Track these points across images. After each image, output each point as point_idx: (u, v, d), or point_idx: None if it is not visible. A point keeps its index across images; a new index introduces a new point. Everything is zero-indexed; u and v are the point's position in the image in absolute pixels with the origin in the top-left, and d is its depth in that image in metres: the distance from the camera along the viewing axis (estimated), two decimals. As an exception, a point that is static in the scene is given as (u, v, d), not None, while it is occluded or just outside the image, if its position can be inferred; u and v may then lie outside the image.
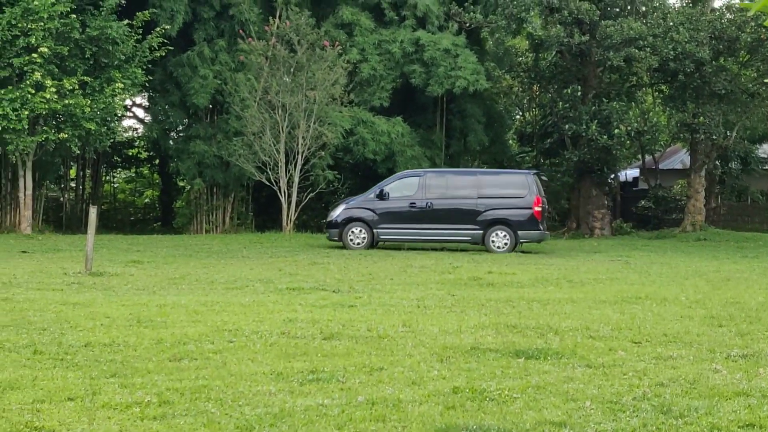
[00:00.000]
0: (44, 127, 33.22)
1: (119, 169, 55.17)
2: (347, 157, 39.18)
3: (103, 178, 50.52)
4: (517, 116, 57.63)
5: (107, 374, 9.27)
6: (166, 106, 39.77)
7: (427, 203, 29.86)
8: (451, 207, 30.00)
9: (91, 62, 34.14)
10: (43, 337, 11.21)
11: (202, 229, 39.76)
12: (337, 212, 30.37)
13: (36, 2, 31.61)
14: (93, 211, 20.75)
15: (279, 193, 36.13)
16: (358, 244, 29.56)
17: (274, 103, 35.41)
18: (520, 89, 51.34)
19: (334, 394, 8.63)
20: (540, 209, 29.80)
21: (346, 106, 36.76)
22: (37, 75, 31.59)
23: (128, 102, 42.28)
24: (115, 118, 37.11)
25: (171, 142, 42.00)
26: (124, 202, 55.24)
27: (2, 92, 31.69)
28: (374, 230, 29.72)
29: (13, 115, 31.45)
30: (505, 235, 29.62)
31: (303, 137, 35.35)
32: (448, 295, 16.64)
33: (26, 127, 32.11)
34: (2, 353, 10.19)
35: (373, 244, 29.74)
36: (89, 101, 33.02)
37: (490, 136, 44.30)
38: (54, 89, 31.86)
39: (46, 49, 31.78)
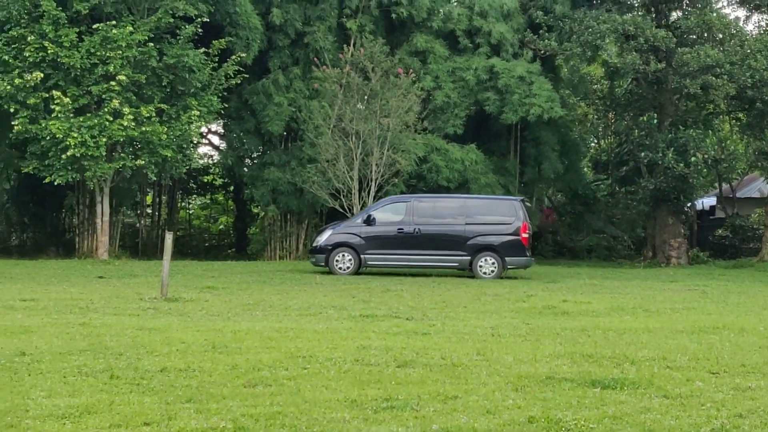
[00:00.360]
0: (122, 154, 33.64)
1: (194, 196, 55.64)
2: (421, 184, 39.10)
3: (179, 205, 51.03)
4: (592, 144, 57.28)
5: (183, 399, 9.32)
6: (241, 134, 40.08)
7: (414, 229, 29.77)
8: (439, 233, 29.93)
9: (168, 90, 34.54)
10: (119, 361, 11.30)
11: (276, 256, 39.93)
12: (324, 237, 30.20)
13: (115, 31, 32.11)
14: (169, 237, 20.90)
15: (353, 221, 36.15)
16: (345, 269, 29.43)
17: (347, 130, 35.48)
18: (595, 117, 51.05)
19: (408, 422, 8.58)
20: (527, 236, 29.93)
21: (419, 134, 36.72)
22: (116, 102, 32.02)
23: (204, 129, 42.73)
24: (191, 145, 37.47)
25: (245, 169, 42.30)
26: (199, 229, 55.66)
27: (81, 119, 32.14)
28: (361, 255, 29.60)
29: (92, 142, 31.89)
30: (492, 262, 29.63)
31: (376, 164, 35.36)
32: (522, 323, 16.49)
33: (104, 153, 32.53)
34: (80, 378, 10.28)
35: (359, 269, 29.67)
36: (166, 128, 33.39)
37: (564, 164, 44.01)
38: (131, 117, 32.27)
39: (124, 77, 32.22)
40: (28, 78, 32.23)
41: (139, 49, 32.80)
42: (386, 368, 11.30)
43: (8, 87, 32.10)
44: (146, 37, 32.99)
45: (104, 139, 32.15)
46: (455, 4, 41.37)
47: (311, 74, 37.38)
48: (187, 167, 37.74)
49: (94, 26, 32.78)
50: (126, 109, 32.24)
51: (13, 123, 32.80)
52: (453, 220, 30.15)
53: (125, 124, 32.08)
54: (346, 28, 38.19)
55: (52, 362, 11.16)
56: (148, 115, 32.82)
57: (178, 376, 10.53)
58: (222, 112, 37.55)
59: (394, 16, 38.55)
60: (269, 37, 37.78)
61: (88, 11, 33.08)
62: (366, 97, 36.15)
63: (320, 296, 21.34)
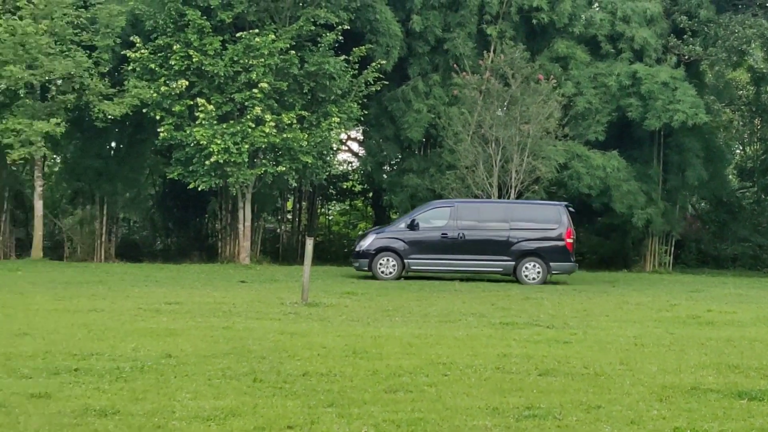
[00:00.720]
0: (263, 160, 34.11)
1: (334, 202, 56.04)
2: (561, 192, 38.72)
3: (319, 211, 51.46)
4: (738, 151, 55.93)
5: (325, 404, 9.37)
6: (381, 140, 40.23)
7: (459, 234, 29.57)
8: (483, 238, 29.78)
9: (309, 97, 34.90)
10: (262, 365, 11.43)
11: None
12: (368, 242, 30.05)
13: (257, 39, 32.59)
14: (309, 243, 21.10)
15: (492, 227, 35.91)
16: (388, 274, 29.30)
17: (487, 136, 35.31)
18: (741, 123, 49.86)
19: (551, 431, 8.47)
20: (571, 241, 29.82)
21: (560, 140, 36.35)
22: (258, 110, 32.49)
23: (343, 136, 43.05)
24: (331, 151, 37.80)
25: (384, 175, 42.47)
26: (338, 234, 56.05)
27: (224, 126, 32.70)
28: (405, 260, 29.43)
29: (234, 149, 32.42)
30: (537, 267, 29.49)
31: (516, 171, 35.12)
32: (666, 333, 16.17)
33: (246, 160, 33.05)
34: (224, 380, 10.43)
35: (401, 274, 29.50)
36: (306, 135, 33.75)
37: (709, 171, 43.01)
38: (273, 123, 32.70)
39: (266, 85, 32.68)
40: (174, 86, 32.99)
41: (281, 56, 33.24)
42: (527, 376, 11.21)
43: (155, 95, 32.89)
44: (288, 45, 33.42)
45: (246, 146, 32.65)
46: (597, 9, 40.87)
47: (451, 81, 37.31)
48: (327, 173, 38.10)
49: (238, 35, 33.33)
50: (268, 116, 32.69)
51: (158, 130, 33.60)
52: (497, 225, 30.01)
53: (267, 130, 32.52)
54: (486, 34, 38.00)
55: (197, 365, 11.34)
56: (290, 122, 33.21)
57: (319, 380, 10.61)
58: (361, 119, 37.75)
59: (534, 21, 38.23)
60: (409, 43, 37.86)
61: (231, 20, 33.69)
62: (506, 104, 35.93)
63: (459, 303, 21.28)
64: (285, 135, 33.03)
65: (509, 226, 29.86)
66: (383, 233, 30.28)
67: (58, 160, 43.21)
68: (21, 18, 32.69)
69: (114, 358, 11.70)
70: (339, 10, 34.32)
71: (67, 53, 33.08)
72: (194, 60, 32.84)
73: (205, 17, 33.15)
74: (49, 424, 8.27)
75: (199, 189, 33.70)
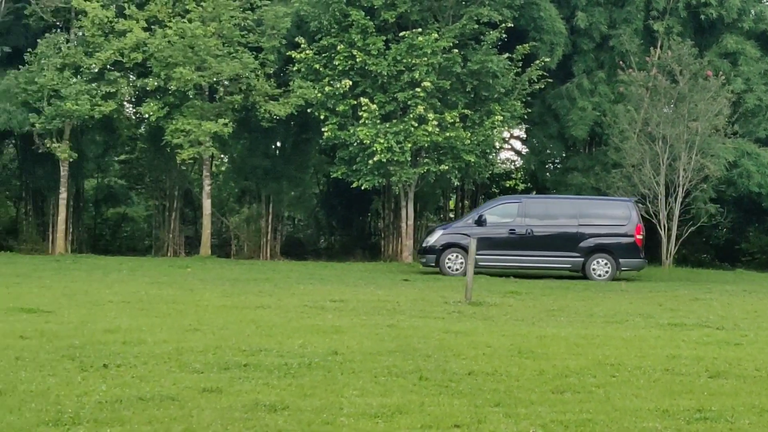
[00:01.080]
0: (426, 159, 34.17)
1: (496, 201, 55.83)
2: (730, 190, 37.76)
3: (481, 210, 51.33)
4: None
5: (491, 403, 9.32)
6: (544, 138, 39.89)
7: (527, 230, 29.25)
8: (552, 233, 29.45)
9: (472, 96, 34.80)
10: (427, 363, 11.44)
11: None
12: (434, 238, 29.78)
13: (420, 38, 32.67)
14: (473, 242, 21.06)
15: (658, 227, 35.28)
16: (456, 270, 28.86)
17: (654, 134, 34.70)
18: None
19: (724, 435, 8.27)
20: (641, 237, 29.38)
21: (729, 138, 35.49)
22: (420, 109, 32.58)
23: (506, 134, 42.84)
24: (494, 150, 37.67)
25: (548, 174, 42.16)
26: (501, 233, 55.82)
27: (387, 125, 32.88)
28: None
29: (397, 148, 32.57)
30: (606, 263, 29.13)
31: (684, 169, 34.43)
32: (843, 336, 15.61)
33: (409, 159, 33.16)
34: (390, 378, 10.47)
35: None
36: (469, 134, 33.67)
37: None
38: (435, 122, 32.74)
39: (429, 84, 32.73)
40: (338, 86, 33.33)
41: (444, 55, 33.26)
42: (698, 378, 10.98)
43: (319, 95, 33.32)
44: (451, 44, 33.41)
45: (409, 145, 32.78)
46: (767, 4, 39.74)
47: (616, 78, 36.78)
48: (490, 172, 37.90)
49: (401, 34, 33.47)
50: (430, 115, 32.75)
51: (323, 129, 33.99)
52: (566, 221, 29.68)
53: (430, 129, 32.58)
54: (653, 30, 37.28)
55: (363, 362, 11.41)
56: (452, 120, 33.20)
57: (485, 379, 10.56)
58: (525, 117, 37.46)
59: (702, 17, 37.29)
60: (573, 41, 37.45)
61: (394, 20, 33.86)
62: (673, 101, 35.27)
63: (625, 303, 20.95)
64: (448, 134, 33.02)
65: (578, 222, 29.57)
66: (450, 229, 30.22)
67: (226, 160, 44.19)
68: (190, 21, 33.53)
69: (282, 354, 11.86)
70: (502, 7, 34.12)
71: (234, 55, 33.81)
72: (358, 60, 33.12)
73: (368, 17, 33.40)
74: (221, 418, 8.43)
75: (363, 188, 33.99)
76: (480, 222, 29.60)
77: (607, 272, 29.12)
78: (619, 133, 35.80)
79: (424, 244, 30.32)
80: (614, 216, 29.86)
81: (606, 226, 29.58)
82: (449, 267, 29.20)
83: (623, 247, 29.32)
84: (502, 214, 30.04)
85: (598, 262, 29.23)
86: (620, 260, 29.24)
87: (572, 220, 29.69)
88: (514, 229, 29.49)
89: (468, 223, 30.10)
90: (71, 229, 38.00)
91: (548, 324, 16.33)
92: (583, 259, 29.26)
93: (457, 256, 29.25)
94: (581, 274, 29.41)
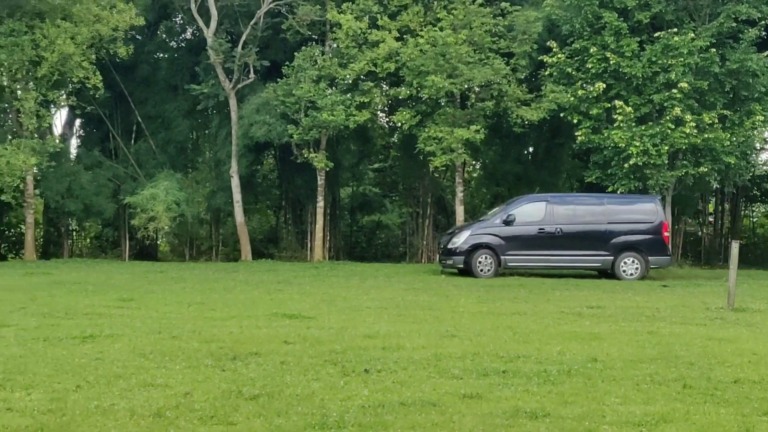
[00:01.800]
0: (683, 162, 33.33)
1: (758, 203, 53.94)
2: None
3: (742, 213, 49.73)
4: None
5: (759, 412, 9.04)
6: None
7: (556, 228, 28.56)
8: (581, 232, 28.74)
9: (731, 96, 33.72)
10: (691, 371, 11.16)
11: None
12: (462, 239, 28.81)
13: (676, 38, 31.91)
14: (735, 246, 20.38)
15: None
16: (486, 272, 28.09)
17: None
18: None
19: None
20: (668, 234, 29.33)
21: None
22: (677, 110, 31.80)
23: (767, 135, 41.31)
24: (755, 151, 36.39)
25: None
26: (764, 237, 53.91)
27: (643, 128, 32.28)
28: (501, 257, 28.41)
29: (653, 151, 31.92)
30: (634, 261, 28.55)
31: None
32: None
33: (666, 161, 32.45)
34: (652, 386, 10.26)
35: (497, 272, 28.21)
36: (728, 135, 32.65)
37: None
38: (693, 124, 31.89)
39: (685, 84, 31.91)
40: (591, 89, 32.94)
41: (701, 55, 32.34)
42: None
43: (571, 99, 33.06)
44: (708, 43, 32.46)
45: (666, 147, 32.07)
46: None
47: None
48: (750, 174, 36.67)
49: (655, 35, 32.79)
50: (688, 117, 31.93)
51: (576, 134, 33.71)
52: (594, 219, 28.89)
53: (687, 131, 31.77)
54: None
55: (624, 369, 11.22)
56: (710, 121, 32.26)
57: (752, 387, 10.22)
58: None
59: None
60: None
61: (648, 20, 33.19)
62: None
63: None
64: (706, 135, 32.13)
65: (607, 219, 28.81)
66: (478, 230, 29.20)
67: (478, 166, 44.44)
68: (441, 29, 33.90)
69: (540, 360, 11.80)
70: (762, 5, 32.94)
71: (485, 61, 33.97)
72: (611, 62, 32.63)
73: (621, 19, 32.89)
74: (483, 425, 8.45)
75: (618, 192, 33.49)
76: (508, 222, 28.91)
77: (636, 270, 28.50)
78: None
79: (449, 246, 29.42)
80: (641, 213, 29.22)
81: (634, 224, 28.98)
82: (480, 269, 28.55)
83: (651, 244, 28.79)
84: (530, 214, 29.21)
85: (627, 261, 28.62)
86: (649, 258, 28.65)
87: (601, 218, 29.04)
88: (543, 228, 28.80)
89: (495, 222, 29.26)
90: (328, 237, 39.07)
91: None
92: (612, 257, 28.66)
93: (487, 258, 28.67)
94: (609, 272, 28.73)
